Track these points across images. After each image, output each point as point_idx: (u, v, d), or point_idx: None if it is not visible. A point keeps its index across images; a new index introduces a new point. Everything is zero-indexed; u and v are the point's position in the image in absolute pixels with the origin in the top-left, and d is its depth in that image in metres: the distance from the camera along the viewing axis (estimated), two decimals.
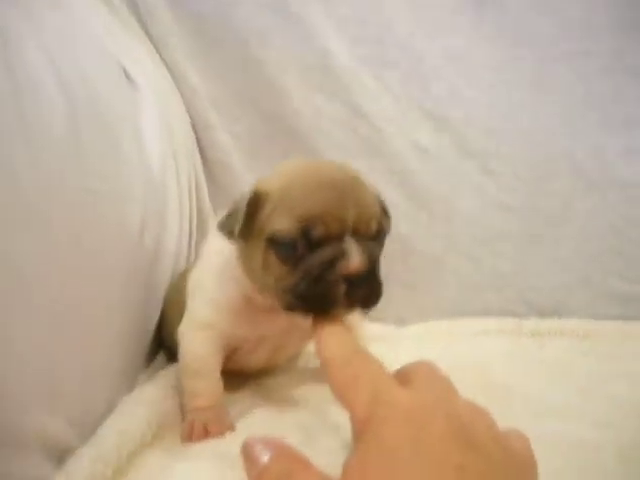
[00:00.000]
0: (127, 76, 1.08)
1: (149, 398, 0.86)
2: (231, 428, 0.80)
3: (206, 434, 0.78)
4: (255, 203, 0.68)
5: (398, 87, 1.40)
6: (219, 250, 0.81)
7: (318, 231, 0.63)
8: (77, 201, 0.76)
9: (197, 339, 0.83)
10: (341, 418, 0.77)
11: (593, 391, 0.95)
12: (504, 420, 0.81)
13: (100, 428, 0.75)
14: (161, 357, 1.09)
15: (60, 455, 0.68)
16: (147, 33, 1.36)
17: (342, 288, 0.61)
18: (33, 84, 0.71)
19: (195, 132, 1.42)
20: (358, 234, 0.64)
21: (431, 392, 0.46)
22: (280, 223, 0.65)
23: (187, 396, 0.83)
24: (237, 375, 0.95)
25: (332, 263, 0.62)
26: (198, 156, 1.41)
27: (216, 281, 0.82)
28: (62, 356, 0.71)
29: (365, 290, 0.64)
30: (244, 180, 1.42)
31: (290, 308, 0.66)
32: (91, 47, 0.95)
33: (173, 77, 1.39)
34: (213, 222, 0.91)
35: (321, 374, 0.96)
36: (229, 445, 0.73)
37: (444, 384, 0.50)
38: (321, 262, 0.62)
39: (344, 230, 0.63)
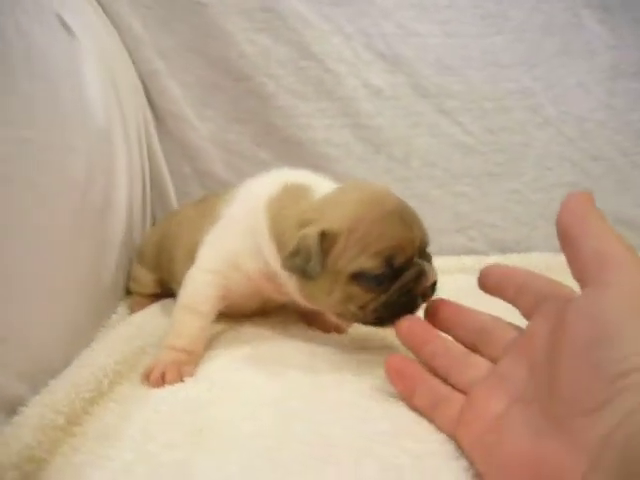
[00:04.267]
0: (66, 28, 1.03)
1: (106, 346, 0.85)
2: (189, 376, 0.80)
3: (162, 382, 0.77)
4: (325, 243, 0.71)
5: (348, 26, 1.36)
6: (250, 225, 0.83)
7: (399, 260, 0.70)
8: (11, 151, 0.72)
9: (202, 279, 0.85)
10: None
11: None
12: None
13: (53, 379, 0.73)
14: (121, 311, 1.08)
15: (10, 407, 0.65)
16: None
17: (420, 299, 0.71)
18: None
19: (143, 84, 1.38)
20: (422, 250, 0.74)
21: None
22: (364, 261, 0.70)
23: (171, 332, 0.83)
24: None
25: (415, 282, 0.70)
26: (148, 108, 1.38)
27: (241, 247, 0.84)
28: (9, 308, 0.68)
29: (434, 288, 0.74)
30: (197, 130, 1.39)
31: (378, 324, 0.74)
32: None
33: (117, 28, 1.34)
34: (246, 192, 0.90)
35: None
36: (189, 390, 0.73)
37: None
38: (407, 283, 0.70)
39: (415, 250, 0.72)
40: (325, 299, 0.76)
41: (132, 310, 1.08)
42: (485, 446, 0.51)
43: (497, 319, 0.63)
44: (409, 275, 0.70)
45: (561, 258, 1.34)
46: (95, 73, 1.08)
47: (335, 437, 0.62)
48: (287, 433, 0.63)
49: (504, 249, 1.40)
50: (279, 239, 0.78)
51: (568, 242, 0.51)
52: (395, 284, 0.71)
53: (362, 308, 0.73)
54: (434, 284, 0.73)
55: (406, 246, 0.71)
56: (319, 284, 0.74)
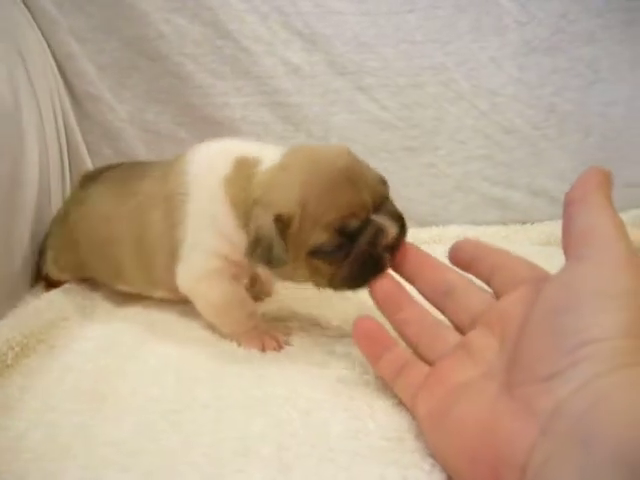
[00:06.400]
0: None
1: (13, 321, 0.87)
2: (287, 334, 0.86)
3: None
4: (281, 227, 0.71)
5: (263, 5, 1.37)
6: (213, 213, 0.82)
7: (352, 225, 0.70)
8: None
9: (213, 281, 0.84)
10: None
11: None
12: None
13: None
14: (36, 291, 1.08)
15: None
16: None
17: (387, 255, 0.71)
18: None
19: (59, 67, 1.37)
20: (378, 206, 0.72)
21: None
22: (317, 236, 0.70)
23: (230, 328, 0.86)
24: None
25: (375, 241, 0.70)
26: (64, 89, 1.37)
27: (216, 235, 0.82)
28: None
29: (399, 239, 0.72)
30: (116, 112, 1.39)
31: (349, 289, 0.74)
32: None
33: (30, 11, 1.32)
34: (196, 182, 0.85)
35: None
36: (96, 362, 0.77)
37: None
38: (365, 246, 0.70)
39: (369, 211, 0.71)
40: (294, 278, 0.78)
41: (47, 288, 1.08)
42: (441, 410, 0.52)
43: (463, 278, 0.65)
44: (365, 238, 0.70)
45: (479, 230, 1.39)
46: (2, 54, 1.08)
47: (232, 400, 0.66)
48: (188, 397, 0.67)
49: (422, 222, 1.43)
50: (246, 224, 0.77)
51: (566, 217, 0.52)
52: (353, 250, 0.70)
53: (331, 279, 0.74)
54: (401, 234, 0.72)
55: (357, 210, 0.70)
56: (288, 267, 0.74)
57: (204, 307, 0.86)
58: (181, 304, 0.94)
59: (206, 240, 0.83)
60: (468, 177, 1.46)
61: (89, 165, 1.39)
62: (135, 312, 0.95)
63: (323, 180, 0.72)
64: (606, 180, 0.51)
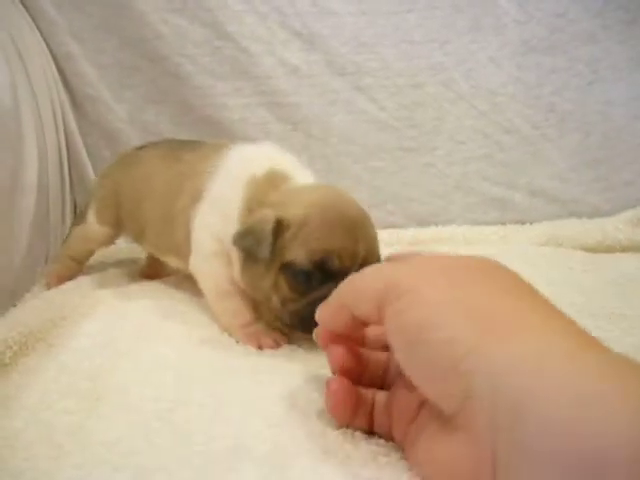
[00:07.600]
0: None
1: (10, 320, 0.86)
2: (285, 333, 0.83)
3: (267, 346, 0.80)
4: (277, 230, 0.73)
5: (262, 5, 1.38)
6: (227, 202, 0.84)
7: (333, 265, 0.70)
8: None
9: (209, 266, 0.86)
10: None
11: None
12: None
13: None
14: (36, 290, 1.07)
15: None
16: None
17: None
18: None
19: (58, 67, 1.37)
20: (365, 265, 0.70)
21: None
22: (298, 254, 0.71)
23: (227, 318, 0.85)
24: None
25: None
26: (63, 90, 1.37)
27: (222, 221, 0.84)
28: None
29: None
30: (115, 112, 1.40)
31: (292, 327, 0.75)
32: None
33: (29, 11, 1.33)
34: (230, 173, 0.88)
35: None
36: (93, 360, 0.76)
37: None
38: (329, 293, 0.66)
39: (355, 264, 0.71)
40: (258, 284, 0.77)
41: (49, 286, 1.08)
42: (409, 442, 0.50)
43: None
44: (332, 286, 0.64)
45: (478, 229, 1.38)
46: (1, 56, 1.08)
47: (228, 398, 0.66)
48: (184, 396, 0.67)
49: (422, 222, 1.44)
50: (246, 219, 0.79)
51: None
52: (315, 292, 0.70)
53: (283, 305, 0.74)
54: None
55: (344, 255, 0.71)
56: (257, 267, 0.76)
57: (205, 288, 0.88)
58: (179, 302, 0.95)
59: (213, 222, 0.85)
60: (467, 177, 1.46)
61: (88, 167, 1.39)
62: (133, 309, 0.94)
63: (332, 213, 0.74)
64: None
